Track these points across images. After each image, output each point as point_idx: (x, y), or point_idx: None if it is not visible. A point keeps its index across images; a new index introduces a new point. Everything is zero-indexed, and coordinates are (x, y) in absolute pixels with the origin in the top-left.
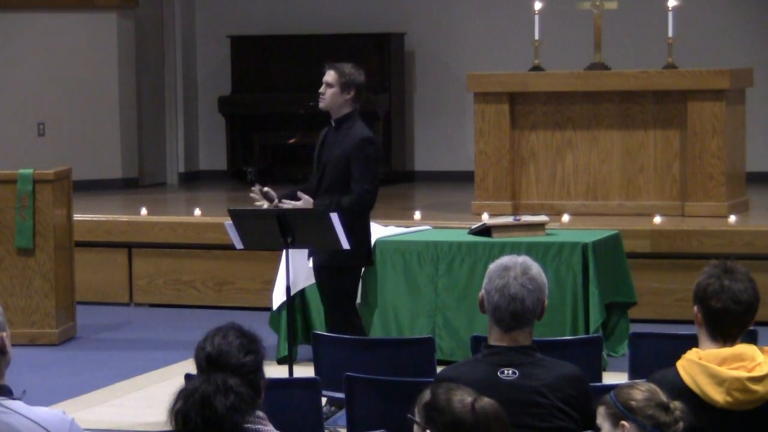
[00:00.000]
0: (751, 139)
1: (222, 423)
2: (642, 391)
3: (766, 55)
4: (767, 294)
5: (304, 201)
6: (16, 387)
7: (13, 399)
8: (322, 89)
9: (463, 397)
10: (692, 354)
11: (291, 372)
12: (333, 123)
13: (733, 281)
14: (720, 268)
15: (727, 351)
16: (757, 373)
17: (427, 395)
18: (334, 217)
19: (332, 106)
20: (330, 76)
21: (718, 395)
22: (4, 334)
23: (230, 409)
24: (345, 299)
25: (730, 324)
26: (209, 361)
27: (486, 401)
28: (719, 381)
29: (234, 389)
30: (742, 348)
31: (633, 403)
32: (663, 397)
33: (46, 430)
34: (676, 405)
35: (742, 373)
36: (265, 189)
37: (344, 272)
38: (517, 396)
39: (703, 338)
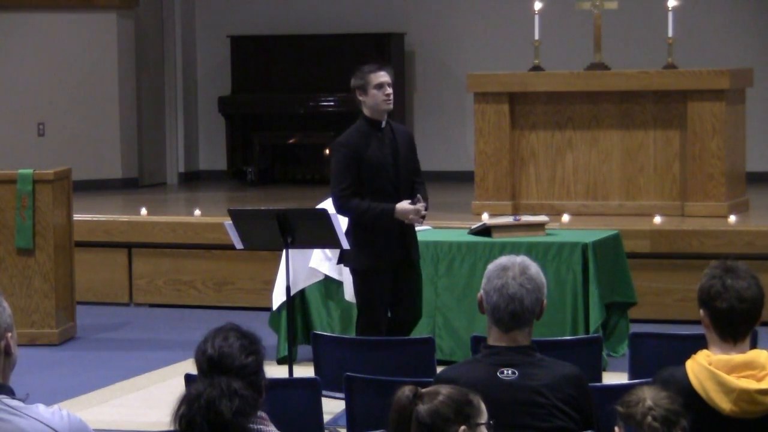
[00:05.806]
0: (751, 139)
1: (228, 427)
2: (635, 407)
3: (766, 55)
4: None
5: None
6: (17, 388)
7: (17, 399)
8: (389, 90)
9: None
10: (702, 358)
11: (291, 372)
12: (383, 123)
13: (736, 279)
14: (721, 268)
15: (738, 359)
16: (765, 384)
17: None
18: (334, 216)
19: None
20: (391, 76)
21: (724, 404)
22: (10, 335)
23: (236, 413)
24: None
25: (737, 323)
26: (211, 364)
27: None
28: (727, 390)
29: (239, 393)
30: (753, 355)
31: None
32: (649, 419)
33: (54, 430)
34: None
35: (752, 385)
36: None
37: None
38: (517, 396)
39: (713, 340)
